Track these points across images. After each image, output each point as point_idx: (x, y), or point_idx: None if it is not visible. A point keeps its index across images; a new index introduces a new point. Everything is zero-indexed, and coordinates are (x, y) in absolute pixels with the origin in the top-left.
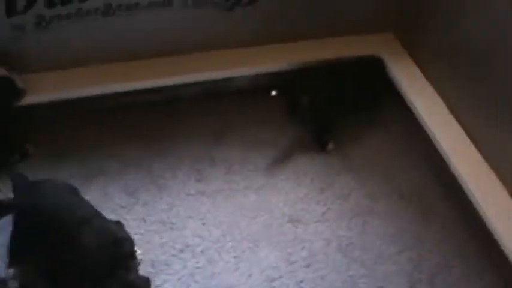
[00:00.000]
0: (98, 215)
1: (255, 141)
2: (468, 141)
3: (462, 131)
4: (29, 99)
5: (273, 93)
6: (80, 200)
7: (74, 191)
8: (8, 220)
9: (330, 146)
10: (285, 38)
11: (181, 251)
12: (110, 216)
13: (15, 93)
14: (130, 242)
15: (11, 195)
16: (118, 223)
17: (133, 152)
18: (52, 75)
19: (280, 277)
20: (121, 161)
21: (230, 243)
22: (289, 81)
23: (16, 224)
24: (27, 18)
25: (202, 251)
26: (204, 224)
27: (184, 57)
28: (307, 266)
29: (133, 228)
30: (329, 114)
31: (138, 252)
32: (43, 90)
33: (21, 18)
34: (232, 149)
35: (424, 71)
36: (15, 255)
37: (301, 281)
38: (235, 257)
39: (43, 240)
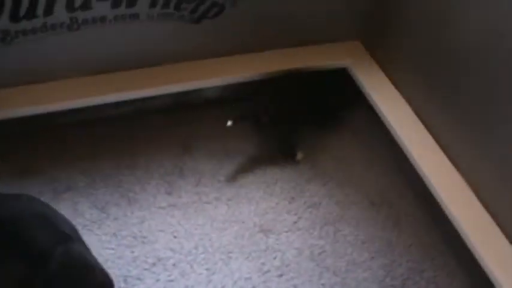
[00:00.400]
0: (77, 236)
1: (224, 152)
2: (437, 147)
3: (431, 138)
4: None
5: (229, 123)
6: (56, 215)
7: (48, 206)
8: None
9: (299, 155)
10: (252, 48)
11: (154, 264)
12: (82, 231)
13: None
14: (104, 274)
15: None
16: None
17: (102, 166)
18: (18, 90)
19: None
20: (89, 176)
21: (202, 255)
22: (253, 92)
23: None
24: None
25: (174, 264)
26: (175, 236)
27: (153, 69)
28: (280, 275)
29: (104, 243)
30: (293, 124)
31: None
32: (8, 106)
33: None
34: (201, 160)
35: (391, 78)
36: None
37: None
38: (207, 269)
39: (13, 252)
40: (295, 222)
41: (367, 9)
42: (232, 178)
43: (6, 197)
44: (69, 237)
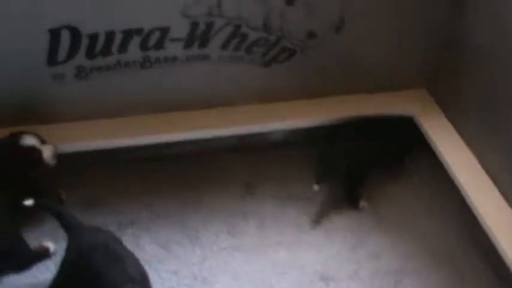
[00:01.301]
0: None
1: (288, 196)
2: (502, 199)
3: (495, 189)
4: (64, 148)
5: (315, 187)
6: (129, 256)
7: (124, 247)
8: None
9: (362, 203)
10: (319, 93)
11: None
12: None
13: (35, 164)
14: None
15: None
16: None
17: (166, 202)
18: (88, 124)
19: None
20: (153, 211)
21: None
22: (321, 137)
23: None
24: (68, 68)
25: None
26: (235, 279)
27: (221, 109)
28: None
29: (165, 281)
30: (360, 171)
31: None
32: (79, 139)
33: (62, 67)
34: (265, 203)
35: (456, 127)
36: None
37: None
38: None
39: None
40: (356, 271)
41: (434, 58)
42: (294, 223)
43: (89, 227)
44: (134, 280)
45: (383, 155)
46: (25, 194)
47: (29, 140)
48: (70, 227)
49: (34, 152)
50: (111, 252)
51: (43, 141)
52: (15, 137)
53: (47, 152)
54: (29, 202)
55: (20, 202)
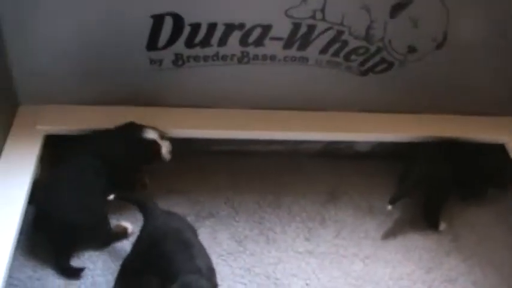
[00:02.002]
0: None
1: (368, 208)
2: None
3: None
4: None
5: (389, 207)
6: (199, 247)
7: (195, 236)
8: None
9: (442, 225)
10: (411, 108)
11: None
12: (216, 261)
13: (154, 159)
14: None
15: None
16: None
17: (246, 199)
18: (179, 112)
19: None
20: (232, 207)
21: None
22: (407, 154)
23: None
24: (166, 55)
25: None
26: (307, 284)
27: (311, 113)
28: None
29: (237, 277)
30: (443, 194)
31: None
32: (168, 126)
33: (160, 53)
34: (344, 212)
35: None
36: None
37: None
38: None
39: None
40: None
41: None
42: (372, 236)
43: (165, 212)
44: (201, 271)
45: (469, 180)
46: (126, 183)
47: (151, 134)
48: (146, 210)
49: (155, 146)
50: (182, 239)
51: (162, 136)
52: (138, 129)
53: (165, 147)
54: (111, 197)
55: (119, 189)
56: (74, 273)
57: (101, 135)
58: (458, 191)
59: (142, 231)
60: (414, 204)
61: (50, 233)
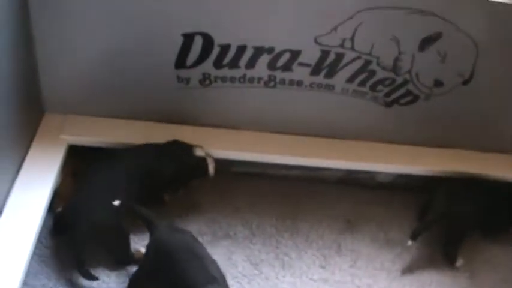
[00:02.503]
0: (225, 282)
1: (385, 239)
2: None
3: None
4: None
5: (409, 243)
6: (208, 257)
7: (205, 250)
8: None
9: (459, 261)
10: (434, 142)
11: None
12: (231, 282)
13: (202, 175)
14: None
15: None
16: None
17: (263, 222)
18: (203, 131)
19: None
20: (249, 229)
21: None
22: (428, 188)
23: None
24: (194, 74)
25: None
26: None
27: (334, 141)
28: None
29: None
30: (463, 231)
31: None
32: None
33: (188, 72)
34: (361, 242)
35: None
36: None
37: None
38: None
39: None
40: None
41: None
42: (388, 268)
43: (176, 229)
44: (217, 280)
45: (490, 218)
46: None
47: (201, 152)
48: (152, 224)
49: (204, 163)
50: (192, 251)
51: (208, 154)
52: (188, 146)
53: (212, 165)
54: (116, 202)
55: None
56: (92, 277)
57: (149, 149)
58: (480, 228)
59: (149, 246)
60: (432, 239)
61: (75, 235)
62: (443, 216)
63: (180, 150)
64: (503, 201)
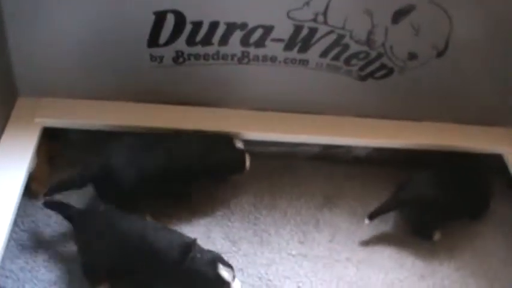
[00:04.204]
0: None
1: (364, 213)
2: None
3: None
4: None
5: (366, 221)
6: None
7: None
8: None
9: (437, 235)
10: (409, 115)
11: None
12: None
13: (237, 169)
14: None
15: None
16: None
17: (241, 199)
18: (177, 110)
19: None
20: (228, 207)
21: None
22: (403, 162)
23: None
24: (166, 52)
25: None
26: (299, 287)
27: (309, 116)
28: None
29: None
30: (435, 207)
31: None
32: (167, 124)
33: (161, 50)
34: (339, 217)
35: None
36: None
37: None
38: None
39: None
40: None
41: None
42: (366, 242)
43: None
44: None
45: (464, 191)
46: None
47: (240, 144)
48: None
49: (243, 157)
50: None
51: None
52: (229, 138)
53: (248, 159)
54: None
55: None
56: None
57: (189, 139)
58: (461, 213)
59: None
60: (411, 214)
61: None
62: (401, 203)
63: (220, 141)
64: (476, 174)
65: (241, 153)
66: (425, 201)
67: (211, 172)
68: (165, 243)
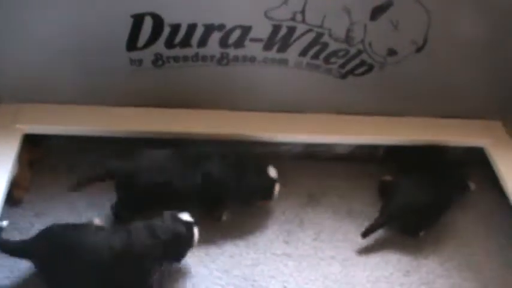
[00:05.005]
0: None
1: (347, 211)
2: None
3: None
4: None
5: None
6: None
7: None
8: None
9: (421, 233)
10: (390, 111)
11: None
12: (195, 262)
13: (266, 197)
14: None
15: None
16: None
17: None
18: (158, 112)
19: None
20: None
21: None
22: (386, 158)
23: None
24: (146, 55)
25: None
26: (285, 287)
27: (291, 115)
28: None
29: (215, 279)
30: (424, 212)
31: None
32: (150, 126)
33: (140, 53)
34: (323, 215)
35: None
36: None
37: None
38: None
39: None
40: None
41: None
42: (351, 239)
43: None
44: None
45: (446, 183)
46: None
47: (274, 173)
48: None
49: (273, 185)
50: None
51: None
52: (264, 166)
53: (278, 188)
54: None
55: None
56: None
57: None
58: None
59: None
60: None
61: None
62: (390, 219)
63: (254, 168)
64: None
65: (271, 182)
66: (413, 210)
67: (241, 196)
68: None
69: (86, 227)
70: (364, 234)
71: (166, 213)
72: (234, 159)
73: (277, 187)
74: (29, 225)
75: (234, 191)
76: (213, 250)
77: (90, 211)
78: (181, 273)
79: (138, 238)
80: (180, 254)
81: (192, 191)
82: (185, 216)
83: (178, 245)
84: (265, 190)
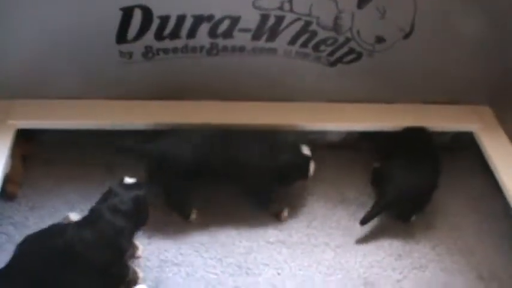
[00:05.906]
0: None
1: (339, 198)
2: None
3: None
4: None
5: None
6: None
7: None
8: None
9: (413, 217)
10: (380, 98)
11: None
12: (189, 251)
13: (302, 176)
14: None
15: None
16: None
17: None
18: (151, 105)
19: None
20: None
21: None
22: (375, 144)
23: None
24: (136, 48)
25: None
26: (279, 273)
27: (281, 104)
28: None
29: (209, 267)
30: (418, 198)
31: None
32: (141, 119)
33: (130, 46)
34: (315, 202)
35: None
36: None
37: None
38: None
39: None
40: (399, 281)
41: (501, 76)
42: (343, 226)
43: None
44: None
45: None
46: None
47: (307, 150)
48: None
49: (308, 163)
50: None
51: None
52: (297, 144)
53: (313, 165)
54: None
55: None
56: None
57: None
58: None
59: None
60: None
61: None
62: (386, 207)
63: (287, 147)
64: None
65: (306, 159)
66: (410, 196)
67: (276, 176)
68: None
69: (54, 229)
70: (363, 222)
71: (114, 185)
72: (268, 139)
73: (312, 165)
74: (24, 219)
75: (271, 171)
76: (207, 239)
77: (83, 203)
78: (176, 263)
79: (105, 221)
80: (146, 217)
81: (230, 172)
82: (129, 180)
83: (140, 211)
84: (301, 168)
